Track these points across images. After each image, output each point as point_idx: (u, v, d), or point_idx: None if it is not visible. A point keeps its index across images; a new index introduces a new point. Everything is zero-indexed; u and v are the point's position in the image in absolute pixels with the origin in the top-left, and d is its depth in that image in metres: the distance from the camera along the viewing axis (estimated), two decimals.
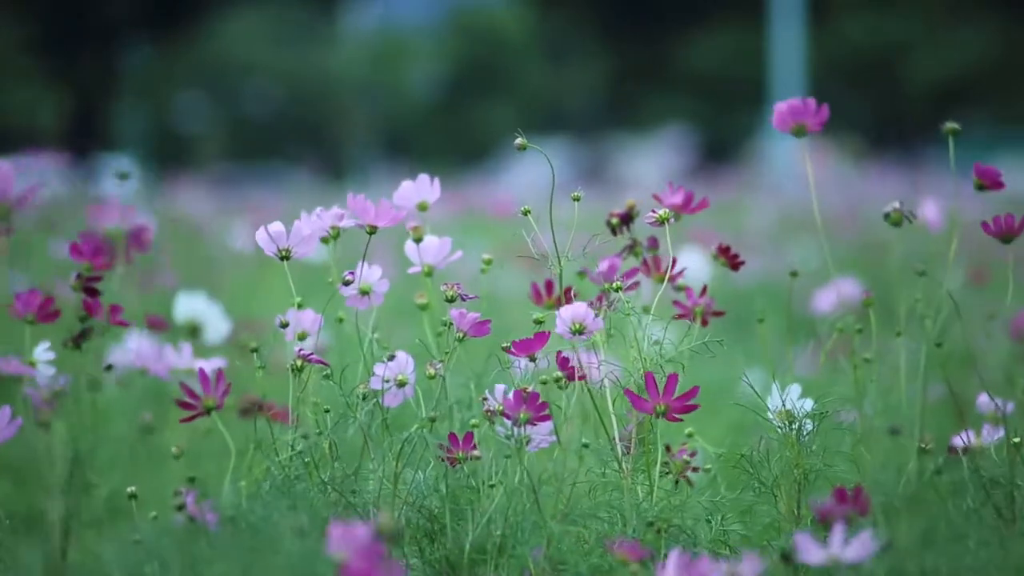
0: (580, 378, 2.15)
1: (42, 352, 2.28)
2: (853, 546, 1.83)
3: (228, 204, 11.29)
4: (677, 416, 2.10)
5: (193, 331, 3.11)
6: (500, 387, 2.14)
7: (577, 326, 2.15)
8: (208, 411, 2.18)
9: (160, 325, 3.29)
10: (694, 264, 3.70)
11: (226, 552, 1.94)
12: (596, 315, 2.18)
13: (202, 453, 2.57)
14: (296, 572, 1.89)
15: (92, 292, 2.29)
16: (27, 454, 2.32)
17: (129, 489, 2.19)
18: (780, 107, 2.29)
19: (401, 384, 2.18)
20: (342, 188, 14.68)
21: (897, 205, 2.27)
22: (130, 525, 2.21)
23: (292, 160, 25.32)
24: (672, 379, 2.09)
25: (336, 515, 2.10)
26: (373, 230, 2.26)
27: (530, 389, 2.10)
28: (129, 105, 28.86)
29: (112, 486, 2.46)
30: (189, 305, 3.11)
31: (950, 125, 2.23)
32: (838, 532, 1.83)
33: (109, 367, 2.35)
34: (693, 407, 2.10)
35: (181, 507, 2.09)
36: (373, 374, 2.17)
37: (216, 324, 3.12)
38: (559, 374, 2.14)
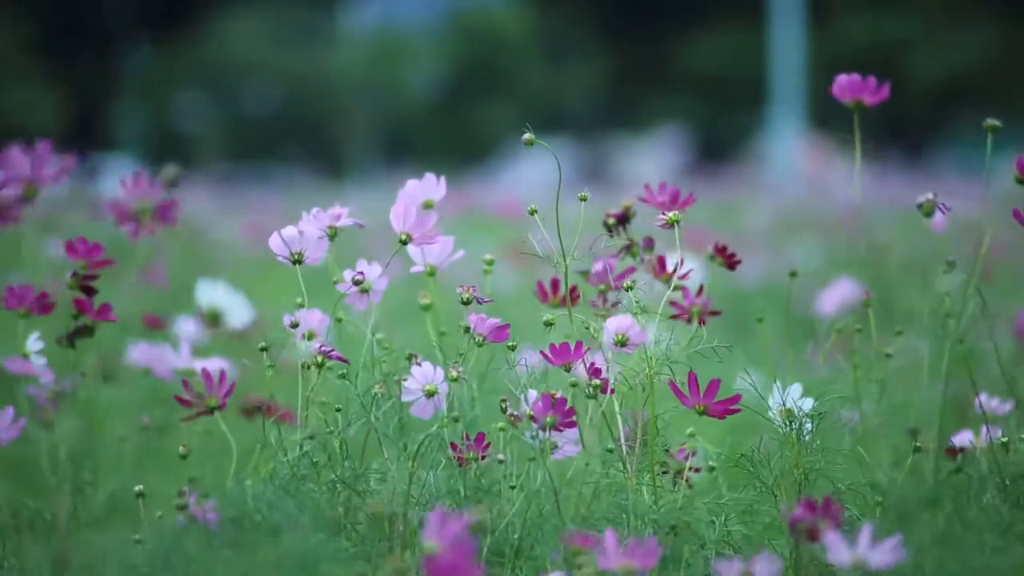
0: (611, 392, 2.14)
1: (33, 342, 2.27)
2: (881, 552, 1.82)
3: (228, 204, 11.29)
4: (718, 417, 2.10)
5: (215, 318, 3.10)
6: (532, 392, 2.12)
7: (620, 338, 2.15)
8: (211, 411, 2.16)
9: (158, 324, 3.29)
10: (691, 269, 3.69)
11: (228, 551, 1.94)
12: (597, 316, 2.18)
13: (207, 453, 2.57)
14: (299, 571, 1.89)
15: (88, 291, 2.28)
16: (29, 453, 2.32)
17: (136, 488, 2.18)
18: (841, 78, 2.34)
19: (430, 394, 2.15)
20: (342, 188, 14.69)
21: (930, 196, 2.26)
22: (132, 525, 2.20)
23: (292, 160, 25.31)
24: (714, 383, 2.09)
25: (342, 515, 2.09)
26: (408, 239, 2.24)
27: (559, 395, 2.09)
28: (129, 105, 28.86)
29: (115, 486, 2.46)
30: (210, 293, 3.10)
31: (991, 121, 2.23)
32: (865, 535, 1.82)
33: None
34: (735, 411, 2.11)
35: (184, 507, 2.08)
36: (401, 385, 2.13)
37: (238, 311, 3.11)
38: (596, 382, 2.12)
